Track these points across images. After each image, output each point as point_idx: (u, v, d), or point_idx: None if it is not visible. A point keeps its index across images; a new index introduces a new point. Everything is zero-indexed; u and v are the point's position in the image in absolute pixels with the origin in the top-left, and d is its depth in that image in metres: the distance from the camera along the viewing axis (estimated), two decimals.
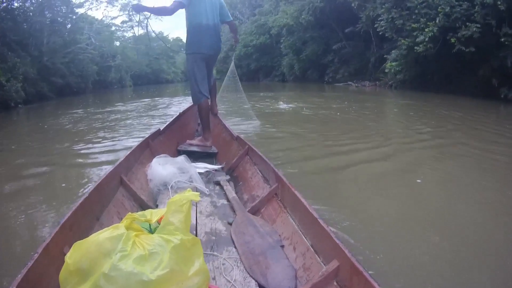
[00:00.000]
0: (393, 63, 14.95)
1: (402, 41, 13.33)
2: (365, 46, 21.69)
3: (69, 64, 20.13)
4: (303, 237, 1.70)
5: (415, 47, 12.41)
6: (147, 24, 3.84)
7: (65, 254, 1.06)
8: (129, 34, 37.55)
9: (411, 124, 6.97)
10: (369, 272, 1.20)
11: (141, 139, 3.24)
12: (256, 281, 1.51)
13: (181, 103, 11.81)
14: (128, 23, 34.09)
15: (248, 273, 1.55)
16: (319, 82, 24.80)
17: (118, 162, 2.27)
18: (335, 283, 1.35)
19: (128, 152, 2.59)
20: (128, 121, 8.23)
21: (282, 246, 1.76)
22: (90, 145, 5.37)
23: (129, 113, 10.21)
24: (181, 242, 1.08)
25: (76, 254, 1.03)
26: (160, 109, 11.04)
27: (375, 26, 15.89)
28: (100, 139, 5.83)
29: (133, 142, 5.15)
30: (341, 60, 23.51)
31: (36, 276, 1.14)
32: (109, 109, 11.59)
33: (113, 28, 33.15)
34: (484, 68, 10.98)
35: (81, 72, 21.87)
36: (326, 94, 16.00)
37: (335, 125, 7.20)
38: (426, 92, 13.46)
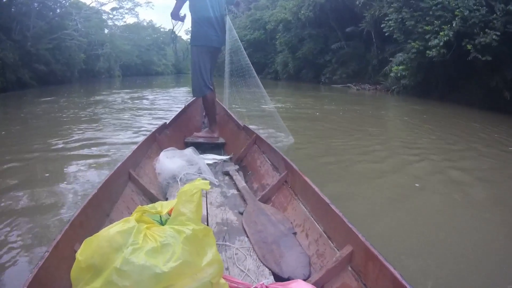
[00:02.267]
0: (400, 67, 14.34)
1: (412, 43, 12.64)
2: (365, 47, 21.49)
3: (55, 50, 19.81)
4: (315, 223, 1.73)
5: (427, 51, 11.71)
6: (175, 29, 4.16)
7: (76, 252, 1.05)
8: (120, 22, 37.22)
9: (443, 138, 6.23)
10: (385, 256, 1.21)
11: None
12: (269, 269, 1.52)
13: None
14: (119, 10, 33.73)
15: (262, 262, 1.56)
16: (314, 82, 24.73)
17: (125, 157, 2.28)
18: (349, 268, 1.37)
19: (135, 147, 2.60)
20: (108, 115, 8.10)
21: (295, 234, 1.79)
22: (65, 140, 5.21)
23: (111, 105, 10.19)
24: (193, 232, 1.07)
25: (87, 250, 1.01)
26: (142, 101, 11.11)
27: (381, 26, 15.36)
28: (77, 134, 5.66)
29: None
30: (339, 61, 23.23)
31: (47, 275, 1.13)
32: (92, 100, 11.54)
33: (104, 16, 32.77)
34: (497, 79, 10.43)
35: (67, 60, 21.56)
36: (326, 95, 15.73)
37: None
38: (430, 99, 13.07)
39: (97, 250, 1.00)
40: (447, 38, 11.02)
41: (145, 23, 49.38)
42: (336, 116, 8.92)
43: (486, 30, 10.07)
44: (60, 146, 4.85)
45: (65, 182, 3.43)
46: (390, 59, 16.14)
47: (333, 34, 24.22)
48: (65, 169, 3.89)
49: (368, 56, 21.05)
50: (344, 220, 1.45)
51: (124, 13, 34.46)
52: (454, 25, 10.88)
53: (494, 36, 9.80)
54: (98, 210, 1.64)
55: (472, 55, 10.36)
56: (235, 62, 4.35)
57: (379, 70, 18.87)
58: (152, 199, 2.20)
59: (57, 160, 4.25)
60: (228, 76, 4.37)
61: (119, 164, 2.13)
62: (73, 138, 5.29)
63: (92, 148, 4.71)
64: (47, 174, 3.70)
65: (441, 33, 11.20)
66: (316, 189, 1.77)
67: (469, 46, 10.40)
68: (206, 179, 2.47)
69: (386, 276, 1.15)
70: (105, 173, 2.79)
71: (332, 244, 1.54)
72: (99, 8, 30.06)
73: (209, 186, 1.24)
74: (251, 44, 33.35)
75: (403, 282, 1.07)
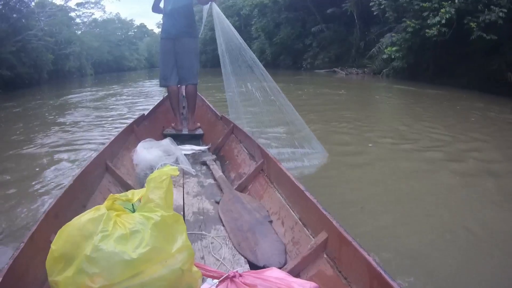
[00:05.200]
0: (393, 48, 13.45)
1: (408, 22, 11.83)
2: (347, 29, 20.95)
3: (20, 53, 19.11)
4: (291, 210, 1.75)
5: (427, 30, 10.90)
6: None
7: (51, 242, 1.08)
8: (88, 19, 36.33)
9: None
10: (358, 242, 1.23)
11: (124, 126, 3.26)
12: (245, 257, 1.55)
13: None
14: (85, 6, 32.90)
15: (237, 250, 1.60)
16: (293, 68, 24.26)
17: (102, 149, 2.31)
18: (325, 256, 1.39)
19: (112, 138, 2.63)
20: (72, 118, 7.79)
21: (271, 222, 1.82)
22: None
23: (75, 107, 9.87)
24: (162, 218, 1.09)
25: (60, 239, 1.04)
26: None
27: (368, 5, 14.78)
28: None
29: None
30: (320, 45, 22.66)
31: (23, 265, 1.16)
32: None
33: (72, 13, 31.91)
34: (500, 61, 9.79)
35: (34, 62, 20.85)
36: (323, 82, 14.79)
37: None
38: (423, 82, 12.34)
39: (69, 238, 1.03)
40: (449, 15, 10.36)
41: (114, 18, 48.44)
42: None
43: (491, 6, 9.46)
44: (29, 148, 4.86)
45: (37, 181, 3.48)
46: (381, 40, 15.63)
47: (311, 17, 23.72)
48: (37, 169, 3.95)
49: (351, 38, 20.48)
50: (318, 207, 1.47)
51: (90, 7, 33.64)
52: (456, 1, 10.22)
53: (500, 13, 9.18)
54: (74, 201, 1.67)
55: (476, 34, 9.72)
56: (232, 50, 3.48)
57: (363, 53, 18.41)
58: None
59: (26, 160, 4.30)
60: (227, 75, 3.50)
61: (95, 155, 2.15)
62: (40, 141, 5.31)
63: (62, 148, 4.75)
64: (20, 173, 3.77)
65: (442, 10, 10.53)
66: (291, 176, 1.79)
67: (472, 24, 9.75)
68: (183, 170, 2.55)
69: (360, 262, 1.16)
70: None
71: (307, 231, 1.57)
72: (65, 4, 29.24)
73: (178, 172, 1.27)
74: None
75: (377, 268, 1.09)
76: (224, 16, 3.60)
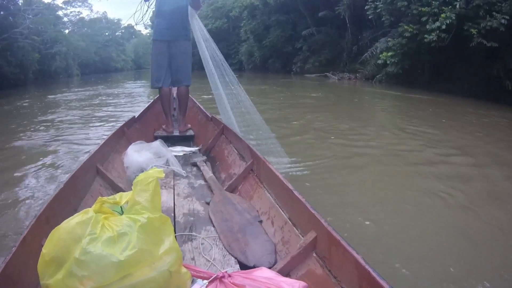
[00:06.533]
0: (389, 53, 13.10)
1: (405, 27, 11.56)
2: (339, 33, 20.72)
3: (6, 52, 18.73)
4: (281, 210, 1.77)
5: (426, 36, 10.74)
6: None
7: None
8: (75, 18, 35.96)
9: None
10: (347, 241, 1.24)
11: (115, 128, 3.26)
12: (235, 258, 1.56)
13: None
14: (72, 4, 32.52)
15: (228, 251, 1.61)
16: (282, 72, 24.11)
17: (92, 152, 2.30)
18: (314, 255, 1.41)
19: (103, 142, 2.62)
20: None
21: (261, 222, 1.84)
22: None
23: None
24: (148, 220, 1.11)
25: (50, 243, 1.06)
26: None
27: (362, 9, 14.58)
28: None
29: None
30: (310, 49, 22.37)
31: (15, 270, 1.16)
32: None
33: (60, 12, 31.54)
34: (498, 67, 9.73)
35: (20, 61, 20.47)
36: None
37: None
38: (417, 88, 12.12)
39: (58, 242, 1.04)
40: (449, 21, 10.18)
41: (102, 18, 48.05)
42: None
43: (493, 13, 9.33)
44: (20, 148, 4.93)
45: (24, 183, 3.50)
46: (376, 44, 15.26)
47: (302, 20, 23.57)
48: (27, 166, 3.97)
49: (342, 42, 20.20)
50: (307, 206, 1.49)
51: (77, 5, 33.29)
52: (458, 6, 10.01)
53: (502, 20, 9.06)
54: (65, 205, 1.66)
55: (476, 40, 9.60)
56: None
57: (355, 58, 18.17)
58: None
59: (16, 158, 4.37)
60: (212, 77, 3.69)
61: (85, 159, 2.14)
62: (29, 140, 5.36)
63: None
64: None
65: (442, 15, 10.31)
66: (281, 176, 1.82)
67: (473, 31, 9.61)
68: (174, 171, 2.57)
69: (349, 260, 1.18)
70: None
71: (297, 230, 1.59)
72: (52, 2, 28.85)
73: (163, 174, 1.27)
74: (213, 34, 31.97)
75: (366, 266, 1.10)
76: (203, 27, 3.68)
